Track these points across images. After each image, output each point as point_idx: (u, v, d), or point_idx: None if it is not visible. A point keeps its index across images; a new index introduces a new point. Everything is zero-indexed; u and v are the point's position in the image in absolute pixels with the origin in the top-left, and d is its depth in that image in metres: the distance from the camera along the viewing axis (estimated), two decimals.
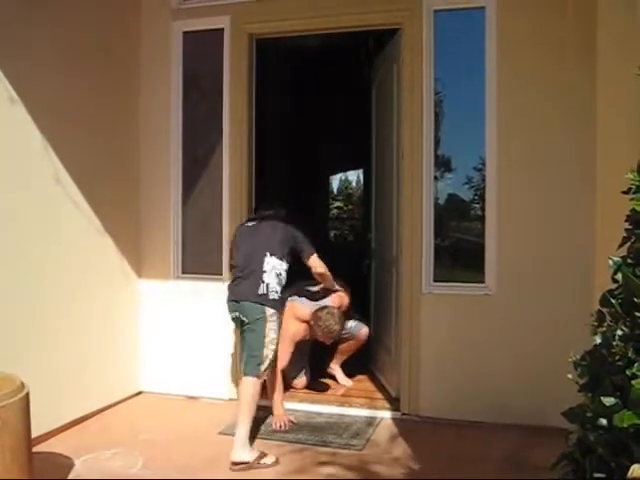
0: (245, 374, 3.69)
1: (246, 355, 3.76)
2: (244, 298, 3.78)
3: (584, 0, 3.48)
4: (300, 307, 4.56)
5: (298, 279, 4.49)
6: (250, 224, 4.08)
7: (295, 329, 4.50)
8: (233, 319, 3.90)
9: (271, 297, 3.76)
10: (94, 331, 4.27)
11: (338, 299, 4.63)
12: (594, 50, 3.13)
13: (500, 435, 3.84)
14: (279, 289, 3.81)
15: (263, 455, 3.56)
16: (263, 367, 3.68)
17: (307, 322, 4.51)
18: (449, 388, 4.17)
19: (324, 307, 4.48)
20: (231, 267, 4.05)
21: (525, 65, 4.06)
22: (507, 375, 4.03)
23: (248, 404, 3.61)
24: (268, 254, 3.81)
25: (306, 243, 4.03)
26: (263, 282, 3.75)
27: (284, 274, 3.87)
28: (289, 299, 4.54)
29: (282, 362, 4.23)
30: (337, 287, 4.59)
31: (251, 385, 3.64)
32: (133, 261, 4.71)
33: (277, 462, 3.54)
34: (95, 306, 4.30)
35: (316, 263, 4.12)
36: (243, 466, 3.47)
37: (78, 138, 4.11)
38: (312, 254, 4.06)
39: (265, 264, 3.79)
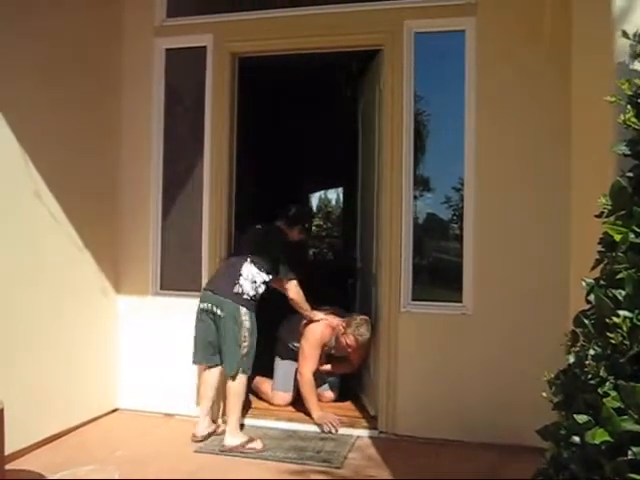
0: (232, 373, 4.02)
1: (225, 354, 4.08)
2: (220, 292, 4.11)
3: (560, 23, 3.57)
4: (331, 317, 4.72)
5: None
6: (258, 227, 4.52)
7: (322, 331, 4.65)
8: (204, 310, 4.14)
9: (244, 297, 4.09)
10: (70, 347, 4.23)
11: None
12: (570, 73, 3.20)
13: (477, 454, 3.86)
14: (252, 294, 4.12)
15: (251, 440, 4.00)
16: (245, 365, 4.03)
17: (333, 329, 4.66)
18: (427, 407, 4.19)
19: (360, 316, 4.61)
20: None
21: (504, 87, 4.13)
22: (485, 394, 4.05)
23: (239, 396, 4.05)
24: (249, 260, 4.18)
25: (285, 268, 4.29)
26: (239, 283, 4.10)
27: (260, 284, 4.17)
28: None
29: (312, 365, 4.56)
30: (316, 316, 4.66)
31: (239, 381, 4.02)
32: (111, 276, 4.68)
33: (263, 449, 3.95)
34: (72, 321, 4.26)
35: (292, 290, 4.37)
36: (233, 448, 3.93)
37: (59, 153, 4.10)
38: (289, 280, 4.32)
39: (242, 269, 4.15)
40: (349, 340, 4.51)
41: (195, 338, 4.22)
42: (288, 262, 4.31)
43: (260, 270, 4.16)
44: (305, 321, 4.72)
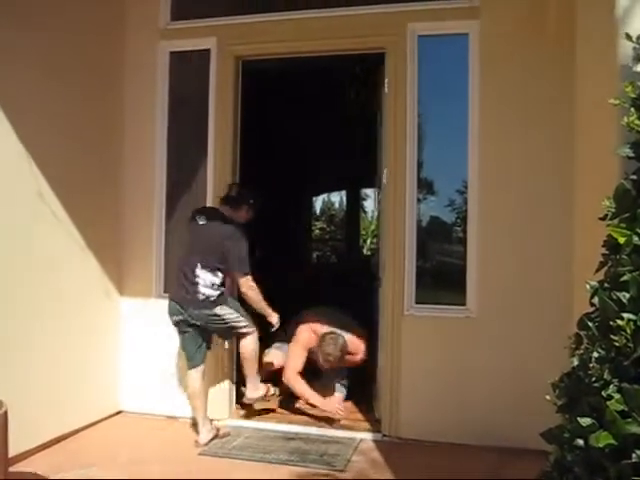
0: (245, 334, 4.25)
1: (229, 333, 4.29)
2: (187, 305, 4.11)
3: (564, 26, 3.57)
4: (318, 326, 4.71)
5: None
6: (201, 223, 4.22)
7: (308, 338, 4.68)
8: (181, 321, 4.14)
9: (211, 299, 4.09)
10: (73, 349, 4.23)
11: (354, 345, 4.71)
12: (573, 76, 3.20)
13: (481, 457, 3.85)
14: (216, 293, 4.11)
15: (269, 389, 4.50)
16: (247, 325, 4.22)
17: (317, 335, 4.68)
18: (430, 410, 4.18)
19: (332, 332, 4.59)
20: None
21: (507, 89, 4.13)
22: (488, 397, 4.05)
23: (253, 356, 4.33)
24: (199, 266, 4.10)
25: (237, 262, 4.14)
26: (200, 292, 4.08)
27: (219, 280, 4.14)
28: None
29: (294, 364, 4.61)
30: (273, 317, 4.41)
31: (251, 341, 4.27)
32: (115, 278, 4.69)
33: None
34: (75, 323, 4.26)
35: (244, 285, 4.19)
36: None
37: (62, 154, 4.10)
38: (243, 276, 4.17)
39: (197, 277, 4.09)
40: (320, 359, 4.57)
41: (185, 346, 4.23)
42: (243, 255, 4.13)
43: (214, 274, 4.10)
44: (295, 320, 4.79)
